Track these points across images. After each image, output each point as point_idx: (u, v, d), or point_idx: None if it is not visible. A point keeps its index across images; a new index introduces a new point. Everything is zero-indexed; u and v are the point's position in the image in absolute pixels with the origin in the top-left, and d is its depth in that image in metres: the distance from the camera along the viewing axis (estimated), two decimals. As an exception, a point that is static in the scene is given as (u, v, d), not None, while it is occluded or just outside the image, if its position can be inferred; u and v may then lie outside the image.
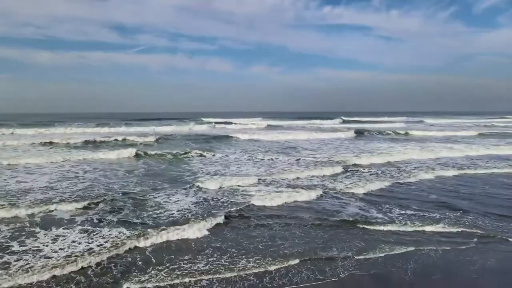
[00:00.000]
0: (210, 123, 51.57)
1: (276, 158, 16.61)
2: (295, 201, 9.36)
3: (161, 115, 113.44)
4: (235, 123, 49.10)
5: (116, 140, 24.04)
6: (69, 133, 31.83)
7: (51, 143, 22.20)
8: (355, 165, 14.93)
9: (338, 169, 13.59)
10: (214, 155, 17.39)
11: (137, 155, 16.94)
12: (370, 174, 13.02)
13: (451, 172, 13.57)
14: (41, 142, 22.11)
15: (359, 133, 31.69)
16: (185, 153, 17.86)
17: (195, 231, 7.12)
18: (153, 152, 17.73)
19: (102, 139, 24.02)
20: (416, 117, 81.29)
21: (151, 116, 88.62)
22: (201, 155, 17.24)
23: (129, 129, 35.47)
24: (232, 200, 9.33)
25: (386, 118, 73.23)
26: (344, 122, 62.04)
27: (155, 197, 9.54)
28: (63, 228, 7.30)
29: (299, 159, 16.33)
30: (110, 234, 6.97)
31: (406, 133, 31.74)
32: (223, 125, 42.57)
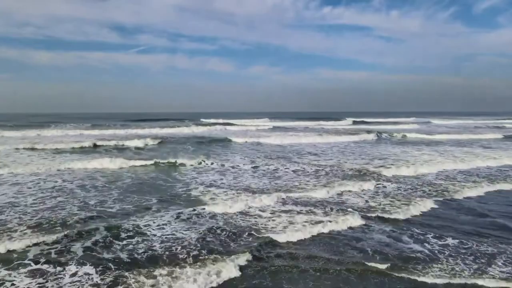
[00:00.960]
0: (210, 124, 50.00)
1: (282, 166, 14.87)
2: (318, 233, 7.11)
3: (161, 115, 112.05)
4: (236, 124, 47.47)
5: (108, 144, 22.28)
6: (60, 135, 30.21)
7: (37, 149, 20.45)
8: (380, 176, 12.62)
9: (362, 183, 11.26)
10: (210, 162, 15.67)
11: (125, 163, 15.10)
12: (401, 190, 10.83)
13: (501, 186, 11.46)
14: (26, 147, 20.37)
15: (378, 136, 29.65)
16: (179, 159, 16.14)
17: (189, 279, 5.22)
18: (143, 160, 15.90)
19: (93, 143, 22.26)
20: (421, 118, 79.54)
21: (150, 117, 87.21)
22: (196, 162, 15.51)
23: (124, 131, 33.83)
24: (232, 229, 7.38)
25: (396, 119, 71.23)
26: (355, 123, 59.05)
27: (136, 220, 7.81)
28: (9, 269, 5.60)
29: (307, 168, 14.57)
30: (71, 280, 5.28)
31: (423, 136, 29.48)
32: (223, 127, 40.86)
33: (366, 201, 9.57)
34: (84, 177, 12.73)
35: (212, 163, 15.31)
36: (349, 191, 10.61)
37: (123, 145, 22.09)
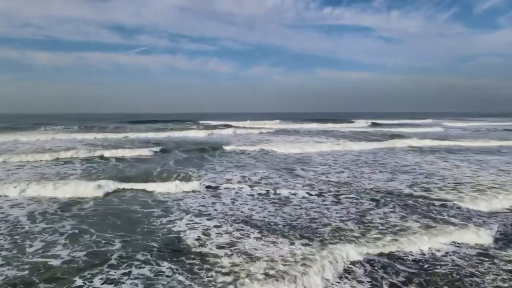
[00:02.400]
0: (210, 127, 47.54)
1: (288, 184, 12.18)
2: None
3: (161, 116, 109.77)
4: (237, 127, 44.88)
5: (91, 156, 18.53)
6: (45, 140, 27.61)
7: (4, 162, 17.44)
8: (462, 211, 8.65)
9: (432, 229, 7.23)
10: (201, 181, 13.02)
11: (100, 186, 12.08)
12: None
13: None
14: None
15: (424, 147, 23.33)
16: (165, 173, 13.49)
17: None
18: (124, 182, 12.89)
19: (74, 155, 18.44)
20: (432, 119, 76.73)
21: (150, 118, 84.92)
22: (184, 179, 12.81)
23: (118, 136, 31.14)
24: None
25: (414, 121, 68.13)
26: (374, 125, 53.43)
27: (77, 288, 5.15)
28: None
29: (321, 188, 11.86)
30: None
31: (448, 143, 24.70)
32: (224, 130, 38.19)
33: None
34: (41, 200, 10.07)
35: (203, 180, 12.63)
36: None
37: (102, 156, 18.27)
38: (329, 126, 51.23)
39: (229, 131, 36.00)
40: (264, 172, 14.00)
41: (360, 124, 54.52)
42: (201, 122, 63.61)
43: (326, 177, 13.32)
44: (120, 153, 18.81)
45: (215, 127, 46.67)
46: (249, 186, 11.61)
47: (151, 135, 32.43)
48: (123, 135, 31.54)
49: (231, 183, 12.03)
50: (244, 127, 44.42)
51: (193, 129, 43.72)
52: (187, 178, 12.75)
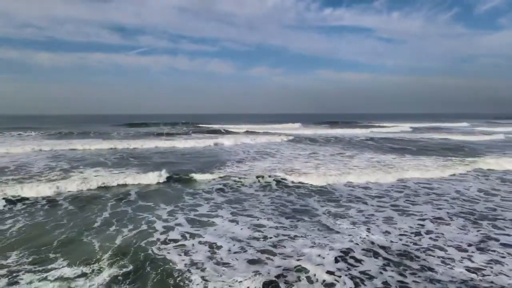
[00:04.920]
0: (205, 131, 42.87)
1: (320, 277, 7.02)
2: None
3: (159, 117, 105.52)
4: (238, 132, 39.82)
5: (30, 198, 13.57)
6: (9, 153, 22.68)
7: None
8: None
9: None
10: (172, 239, 7.90)
11: None
12: None
13: None
14: None
15: None
16: (107, 227, 8.37)
17: None
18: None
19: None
20: (455, 122, 71.40)
21: (149, 119, 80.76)
22: (148, 227, 7.67)
23: (91, 146, 26.14)
24: None
25: (449, 124, 62.69)
26: (415, 130, 46.30)
27: None
28: None
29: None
30: None
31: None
32: (223, 138, 33.09)
33: None
34: None
35: (176, 240, 7.49)
36: None
37: (30, 197, 11.71)
38: (356, 131, 42.59)
39: (231, 139, 30.68)
40: (268, 224, 8.80)
41: (402, 127, 49.76)
42: (200, 125, 58.97)
43: (362, 236, 8.23)
44: (65, 185, 12.49)
45: (213, 131, 41.83)
46: (246, 265, 6.45)
47: (136, 144, 27.40)
48: (104, 145, 26.56)
49: (213, 249, 6.85)
50: (247, 131, 39.39)
51: (189, 133, 38.92)
52: (155, 227, 7.60)
